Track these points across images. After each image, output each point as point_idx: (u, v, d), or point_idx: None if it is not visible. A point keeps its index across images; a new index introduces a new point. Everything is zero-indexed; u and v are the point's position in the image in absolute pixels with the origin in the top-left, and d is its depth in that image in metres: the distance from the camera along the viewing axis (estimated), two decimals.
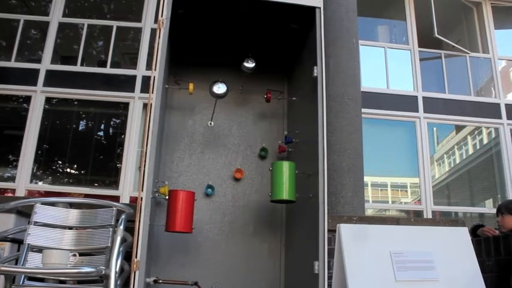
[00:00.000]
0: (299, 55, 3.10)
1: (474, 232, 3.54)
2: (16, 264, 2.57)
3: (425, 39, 9.47)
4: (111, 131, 8.90)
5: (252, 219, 3.12)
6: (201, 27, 3.01)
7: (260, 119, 3.33)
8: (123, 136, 8.06)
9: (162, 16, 2.58)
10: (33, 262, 2.57)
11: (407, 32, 9.64)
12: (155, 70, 2.52)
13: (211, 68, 3.19)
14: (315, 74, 2.65)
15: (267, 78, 3.27)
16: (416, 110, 8.93)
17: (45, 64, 8.29)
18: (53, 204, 2.86)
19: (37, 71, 8.22)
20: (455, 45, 9.61)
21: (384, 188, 9.07)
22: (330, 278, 2.34)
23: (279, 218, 3.14)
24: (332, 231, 2.87)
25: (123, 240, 2.59)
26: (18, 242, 2.86)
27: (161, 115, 2.68)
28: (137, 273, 2.17)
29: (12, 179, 7.73)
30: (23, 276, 2.55)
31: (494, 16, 10.04)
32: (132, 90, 8.16)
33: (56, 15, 8.65)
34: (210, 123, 3.17)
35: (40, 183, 8.04)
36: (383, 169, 8.74)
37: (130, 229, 2.56)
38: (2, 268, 2.30)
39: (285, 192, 2.61)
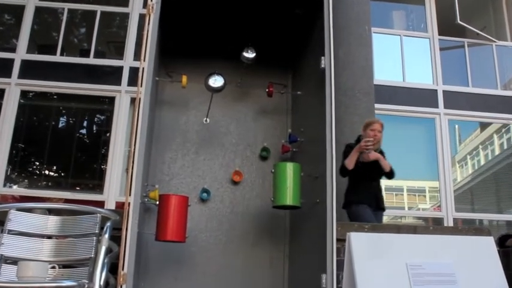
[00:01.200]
0: (305, 44, 3.11)
1: (502, 243, 3.55)
2: None
3: (447, 26, 9.46)
4: (95, 128, 8.91)
5: (252, 227, 3.13)
6: (195, 13, 3.02)
7: (261, 116, 3.34)
8: (108, 134, 8.07)
9: (151, 0, 2.58)
10: (7, 275, 2.58)
11: (426, 18, 9.64)
12: (144, 61, 2.52)
13: (207, 59, 3.19)
14: (323, 65, 2.65)
15: (269, 70, 3.28)
16: (436, 106, 8.93)
17: (21, 54, 8.30)
18: (29, 210, 2.87)
19: (11, 61, 8.22)
20: (480, 33, 9.60)
21: (400, 192, 9.08)
22: None
23: (282, 226, 3.15)
24: (341, 240, 2.86)
25: (109, 251, 2.59)
26: None
27: (151, 111, 2.69)
28: (124, 287, 2.18)
29: None
30: None
31: None
32: (119, 83, 8.16)
33: None
34: (206, 120, 3.18)
35: (15, 187, 8.05)
36: (398, 171, 8.72)
37: (116, 238, 2.57)
38: None
39: (289, 197, 2.61)
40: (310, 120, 2.92)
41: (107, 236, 2.63)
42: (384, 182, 8.80)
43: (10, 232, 2.73)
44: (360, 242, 2.38)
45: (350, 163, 3.84)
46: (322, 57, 2.66)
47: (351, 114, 4.85)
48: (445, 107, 8.94)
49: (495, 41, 9.67)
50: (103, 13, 8.69)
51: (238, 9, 2.94)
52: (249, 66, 3.02)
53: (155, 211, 2.73)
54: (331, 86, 2.60)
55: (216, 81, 2.92)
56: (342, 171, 3.89)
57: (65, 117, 8.85)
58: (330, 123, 2.55)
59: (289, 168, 2.66)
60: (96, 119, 8.90)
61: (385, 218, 8.74)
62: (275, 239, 3.13)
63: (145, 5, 2.92)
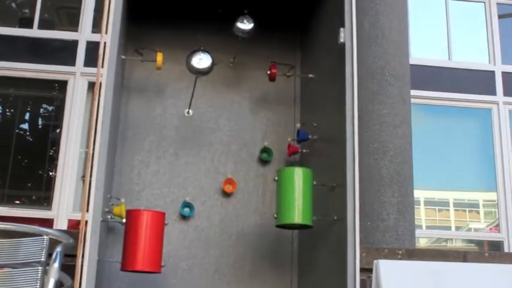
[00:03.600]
0: (318, 11, 3.13)
1: None
2: None
3: None
4: (40, 122, 8.90)
5: (249, 253, 3.14)
6: None
7: (261, 106, 3.36)
8: (58, 130, 8.06)
9: None
10: None
11: None
12: (106, 33, 2.53)
13: (190, 31, 3.21)
14: (342, 40, 2.67)
15: (271, 46, 3.29)
16: (493, 92, 8.93)
17: None
18: None
19: None
20: None
21: (445, 207, 9.08)
22: None
23: (288, 251, 3.17)
24: (367, 270, 2.89)
25: (59, 285, 2.60)
26: None
27: (115, 100, 2.70)
28: None
29: None
30: None
31: None
32: (72, 62, 8.16)
33: None
34: (188, 112, 3.19)
35: None
36: (443, 179, 8.73)
37: (69, 268, 2.58)
38: None
39: (298, 213, 2.63)
40: (326, 111, 2.94)
41: (56, 265, 2.64)
42: (424, 194, 8.77)
43: None
44: (391, 272, 2.40)
45: None
46: (342, 29, 2.68)
47: (379, 104, 4.86)
48: (506, 93, 8.94)
49: None
50: None
51: None
52: (245, 41, 3.03)
53: (121, 232, 2.74)
54: (353, 67, 2.61)
55: (202, 60, 2.93)
56: None
57: (0, 108, 8.84)
58: (352, 116, 2.57)
59: (298, 175, 2.67)
60: (42, 111, 8.89)
61: (426, 241, 8.77)
62: (279, 268, 3.15)
63: None
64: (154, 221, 2.67)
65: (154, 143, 3.22)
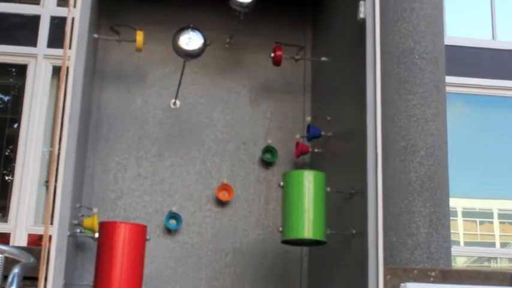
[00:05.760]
0: None
1: None
2: None
3: None
4: None
5: (248, 275, 3.15)
6: None
7: (263, 96, 3.36)
8: (16, 125, 8.08)
9: None
10: None
11: None
12: (75, 7, 2.53)
13: (177, 5, 3.21)
14: (362, 15, 2.67)
15: (275, 23, 3.30)
16: None
17: None
18: None
19: None
20: None
21: (488, 219, 9.09)
22: None
23: (296, 273, 3.18)
24: None
25: None
26: None
27: (86, 88, 2.70)
28: None
29: None
30: None
31: None
32: (33, 42, 8.16)
33: None
34: (174, 104, 3.20)
35: None
36: (485, 186, 8.73)
37: None
38: None
39: (308, 226, 2.63)
40: (342, 103, 2.94)
41: None
42: (462, 203, 8.78)
43: None
44: None
45: None
46: (362, 2, 2.68)
47: (407, 93, 4.86)
48: None
49: None
50: None
51: None
52: (245, 17, 3.03)
53: (93, 249, 2.75)
54: (376, 48, 2.62)
55: (191, 40, 2.93)
56: None
57: None
58: (374, 108, 2.57)
59: (308, 179, 2.68)
60: None
61: (465, 260, 8.78)
62: None
63: None
64: (134, 235, 2.67)
65: (133, 141, 3.22)
